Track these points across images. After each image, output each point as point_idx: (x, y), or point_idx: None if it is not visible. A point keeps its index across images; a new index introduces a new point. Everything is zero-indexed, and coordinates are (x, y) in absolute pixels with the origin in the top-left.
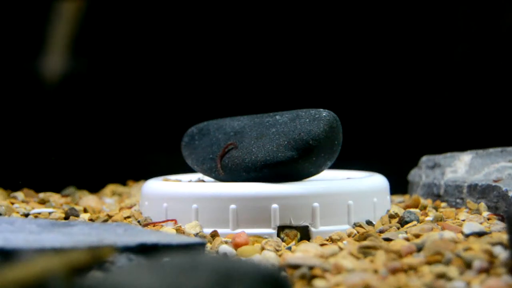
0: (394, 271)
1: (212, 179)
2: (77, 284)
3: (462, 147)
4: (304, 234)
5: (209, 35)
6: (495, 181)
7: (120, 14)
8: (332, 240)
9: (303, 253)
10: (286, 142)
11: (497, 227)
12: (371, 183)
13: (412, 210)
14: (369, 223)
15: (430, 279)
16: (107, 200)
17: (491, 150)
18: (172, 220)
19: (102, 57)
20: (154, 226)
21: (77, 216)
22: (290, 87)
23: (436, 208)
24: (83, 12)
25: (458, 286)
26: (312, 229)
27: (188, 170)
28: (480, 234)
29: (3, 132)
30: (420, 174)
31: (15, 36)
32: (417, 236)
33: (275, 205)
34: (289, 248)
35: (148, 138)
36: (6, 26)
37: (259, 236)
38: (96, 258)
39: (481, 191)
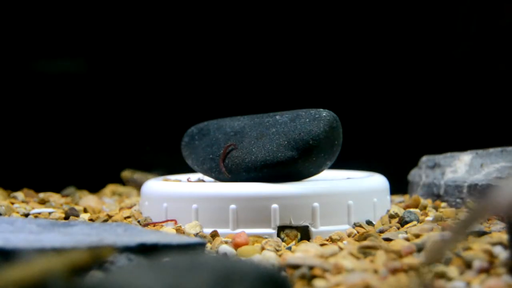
0: (394, 271)
1: (212, 179)
2: (77, 284)
3: (462, 147)
4: (304, 234)
5: (209, 35)
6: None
7: (120, 14)
8: (332, 240)
9: (303, 253)
10: (286, 142)
11: (497, 227)
12: (371, 183)
13: (412, 210)
14: (369, 223)
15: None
16: (107, 200)
17: (491, 150)
18: (172, 220)
19: (102, 57)
20: (154, 226)
21: (77, 216)
22: (290, 87)
23: (436, 208)
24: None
25: (458, 286)
26: (312, 229)
27: (188, 170)
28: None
29: (4, 132)
30: (420, 174)
31: (16, 36)
32: (417, 236)
33: (275, 205)
34: (289, 248)
35: (148, 138)
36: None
37: (259, 236)
38: (96, 258)
39: (481, 191)
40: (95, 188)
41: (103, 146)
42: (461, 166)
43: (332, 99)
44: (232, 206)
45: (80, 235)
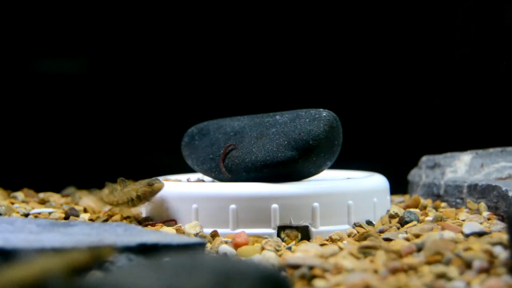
0: (394, 271)
1: (212, 179)
2: (77, 284)
3: (462, 147)
4: (304, 234)
5: (209, 35)
6: (502, 179)
7: (120, 14)
8: (332, 240)
9: (303, 253)
10: (286, 142)
11: (497, 227)
12: (371, 183)
13: (412, 210)
14: (369, 223)
15: (430, 279)
16: None
17: (491, 150)
18: (172, 220)
19: (102, 58)
20: (154, 226)
21: (77, 216)
22: (290, 87)
23: (436, 208)
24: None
25: (458, 286)
26: (312, 229)
27: (188, 170)
28: (480, 234)
29: (4, 132)
30: (420, 174)
31: (16, 36)
32: (417, 236)
33: (275, 205)
34: (289, 248)
35: (148, 138)
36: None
37: (259, 236)
38: (96, 258)
39: (481, 191)
40: (95, 188)
41: (103, 146)
42: (461, 166)
43: (332, 99)
44: (232, 206)
45: (80, 235)
